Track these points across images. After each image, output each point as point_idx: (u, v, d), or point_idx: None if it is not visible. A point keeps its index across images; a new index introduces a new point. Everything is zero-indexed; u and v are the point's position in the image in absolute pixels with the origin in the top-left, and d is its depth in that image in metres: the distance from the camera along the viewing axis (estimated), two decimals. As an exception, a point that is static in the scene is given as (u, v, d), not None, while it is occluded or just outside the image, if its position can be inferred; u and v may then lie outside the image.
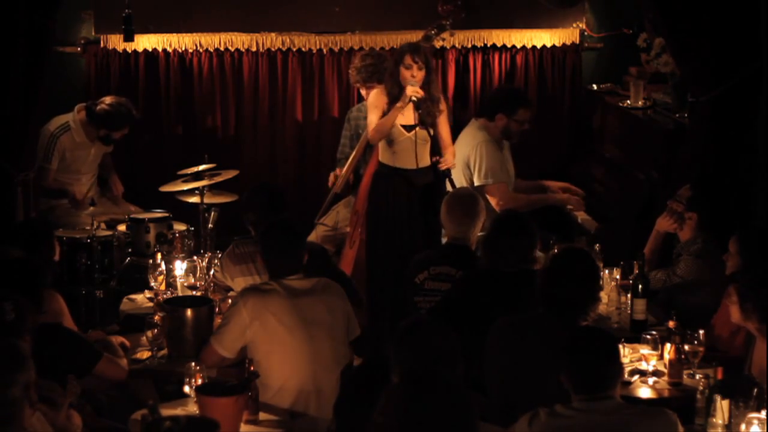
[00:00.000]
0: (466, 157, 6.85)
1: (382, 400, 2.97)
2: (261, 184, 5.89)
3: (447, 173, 6.49)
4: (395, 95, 6.56)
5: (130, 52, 7.91)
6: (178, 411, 4.34)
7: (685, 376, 4.75)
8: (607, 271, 5.72)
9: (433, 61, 6.81)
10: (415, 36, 7.66)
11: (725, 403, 4.14)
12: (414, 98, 6.45)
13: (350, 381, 3.64)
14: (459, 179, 6.80)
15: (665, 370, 4.78)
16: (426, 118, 6.54)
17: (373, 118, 6.63)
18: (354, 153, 7.24)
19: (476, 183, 6.81)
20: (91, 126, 7.27)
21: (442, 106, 6.73)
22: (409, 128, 6.61)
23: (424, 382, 2.96)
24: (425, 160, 6.68)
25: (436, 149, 6.59)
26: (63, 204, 7.28)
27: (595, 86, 8.13)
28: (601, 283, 4.87)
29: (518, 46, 8.12)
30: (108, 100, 7.29)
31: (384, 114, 6.55)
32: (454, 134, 7.12)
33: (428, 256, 5.65)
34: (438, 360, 3.59)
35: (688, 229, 5.82)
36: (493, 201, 6.78)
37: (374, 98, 6.70)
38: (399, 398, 2.93)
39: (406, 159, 6.67)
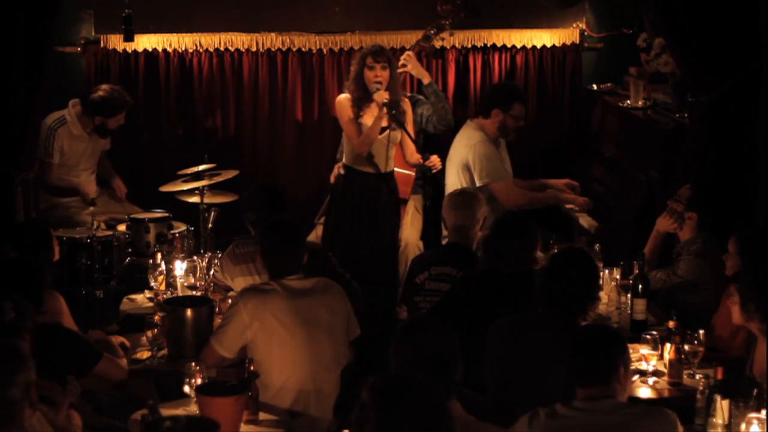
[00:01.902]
0: (463, 159, 6.84)
1: (354, 413, 2.93)
2: (261, 184, 5.89)
3: (429, 170, 6.58)
4: (360, 97, 6.56)
5: (130, 52, 7.90)
6: (179, 411, 4.34)
7: (685, 376, 4.75)
8: (607, 271, 5.73)
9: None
10: (415, 36, 7.67)
11: (725, 403, 4.14)
12: (385, 101, 6.45)
13: (350, 381, 3.62)
14: (456, 181, 6.80)
15: (665, 370, 4.79)
16: (399, 118, 6.53)
17: (348, 130, 6.63)
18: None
19: (478, 183, 6.78)
20: (87, 117, 7.26)
21: (405, 106, 6.72)
22: (380, 131, 6.58)
23: (395, 394, 2.92)
24: (392, 164, 6.68)
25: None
26: (66, 202, 7.28)
27: (595, 86, 8.12)
28: (600, 283, 4.87)
29: (518, 46, 8.10)
30: (102, 86, 7.30)
31: (353, 121, 6.55)
32: (453, 134, 7.12)
33: (429, 256, 5.66)
34: (437, 360, 3.59)
35: (688, 229, 5.82)
36: (500, 199, 6.76)
37: (339, 110, 6.68)
38: (371, 412, 2.90)
39: (375, 162, 6.64)
